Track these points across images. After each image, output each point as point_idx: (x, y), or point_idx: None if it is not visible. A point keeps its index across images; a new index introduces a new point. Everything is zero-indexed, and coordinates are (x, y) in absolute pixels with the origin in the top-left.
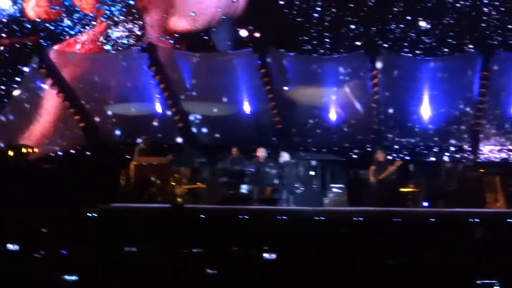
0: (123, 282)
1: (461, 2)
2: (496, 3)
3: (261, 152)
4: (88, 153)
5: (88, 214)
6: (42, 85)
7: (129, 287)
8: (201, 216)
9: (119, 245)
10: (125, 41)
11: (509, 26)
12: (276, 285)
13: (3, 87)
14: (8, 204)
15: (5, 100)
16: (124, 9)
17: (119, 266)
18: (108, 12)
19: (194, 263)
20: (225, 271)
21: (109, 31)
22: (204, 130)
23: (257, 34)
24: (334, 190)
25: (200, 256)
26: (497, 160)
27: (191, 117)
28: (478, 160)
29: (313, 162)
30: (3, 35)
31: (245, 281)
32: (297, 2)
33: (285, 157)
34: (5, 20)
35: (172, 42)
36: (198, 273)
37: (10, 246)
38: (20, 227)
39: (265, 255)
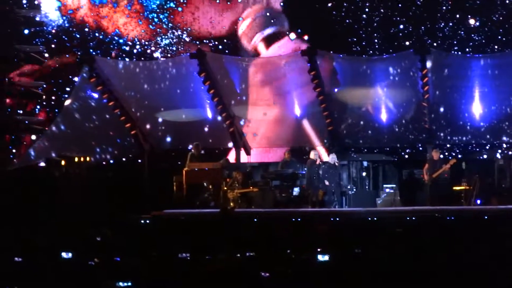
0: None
1: None
2: None
3: (313, 155)
4: (139, 160)
5: (141, 220)
6: (93, 95)
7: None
8: (254, 219)
9: (173, 251)
10: (174, 48)
11: None
12: (331, 287)
13: (54, 98)
14: (61, 213)
15: (57, 110)
16: (172, 16)
17: (173, 273)
18: (156, 20)
19: (248, 267)
20: (279, 274)
21: (158, 38)
22: (256, 133)
23: (305, 37)
24: (387, 190)
25: (254, 260)
26: None
27: (242, 122)
28: None
29: (365, 163)
30: (53, 46)
31: (299, 283)
32: (345, 4)
33: (336, 158)
34: (54, 31)
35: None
36: (252, 277)
37: (64, 254)
38: (74, 235)
39: (319, 257)
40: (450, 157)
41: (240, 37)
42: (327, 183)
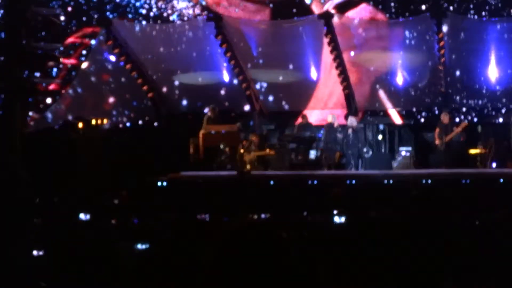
0: (195, 250)
1: None
2: None
3: (331, 118)
4: (156, 123)
5: (158, 183)
6: (109, 57)
7: (200, 254)
8: (270, 182)
9: (190, 212)
10: (190, 11)
11: None
12: (347, 249)
13: (71, 61)
14: (79, 175)
15: (73, 73)
16: None
17: (190, 234)
18: None
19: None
20: (295, 236)
21: (175, 1)
22: (271, 97)
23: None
24: (403, 153)
25: (270, 222)
26: None
27: (258, 85)
28: None
29: (381, 126)
30: (69, 8)
31: (316, 245)
32: None
33: (353, 121)
34: None
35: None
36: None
37: (82, 216)
38: (92, 197)
39: (335, 219)
40: (465, 120)
41: (311, 3)
42: (343, 146)
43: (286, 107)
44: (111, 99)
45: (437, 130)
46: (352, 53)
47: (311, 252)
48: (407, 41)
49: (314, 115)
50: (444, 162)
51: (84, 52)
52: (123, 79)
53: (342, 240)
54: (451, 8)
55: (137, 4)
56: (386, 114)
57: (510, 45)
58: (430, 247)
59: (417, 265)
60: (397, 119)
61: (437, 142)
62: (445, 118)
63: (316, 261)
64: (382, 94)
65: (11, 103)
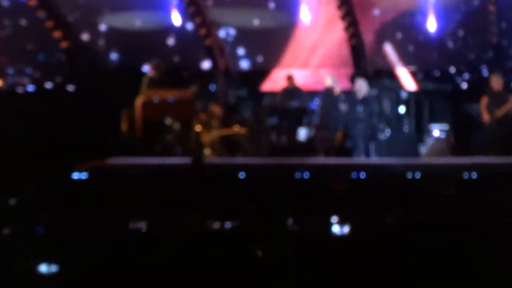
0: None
1: None
2: None
3: (329, 80)
4: (71, 87)
5: (75, 173)
6: None
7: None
8: (240, 174)
9: (120, 218)
10: None
11: None
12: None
13: None
14: None
15: None
16: None
17: (121, 245)
18: None
19: (228, 243)
20: (274, 253)
21: None
22: (242, 49)
23: None
24: (435, 134)
25: (237, 233)
26: None
27: (223, 32)
28: None
29: (403, 94)
30: None
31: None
32: None
33: (362, 86)
34: None
35: None
36: (234, 257)
37: None
38: None
39: (335, 229)
40: None
41: None
42: (348, 122)
43: (264, 64)
44: (7, 51)
45: (485, 100)
46: None
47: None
48: None
49: (305, 76)
50: (494, 147)
51: None
52: (24, 22)
53: (344, 259)
54: None
55: None
56: (411, 76)
57: None
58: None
59: None
60: (426, 84)
61: (485, 117)
62: (496, 82)
63: None
64: (404, 47)
65: None
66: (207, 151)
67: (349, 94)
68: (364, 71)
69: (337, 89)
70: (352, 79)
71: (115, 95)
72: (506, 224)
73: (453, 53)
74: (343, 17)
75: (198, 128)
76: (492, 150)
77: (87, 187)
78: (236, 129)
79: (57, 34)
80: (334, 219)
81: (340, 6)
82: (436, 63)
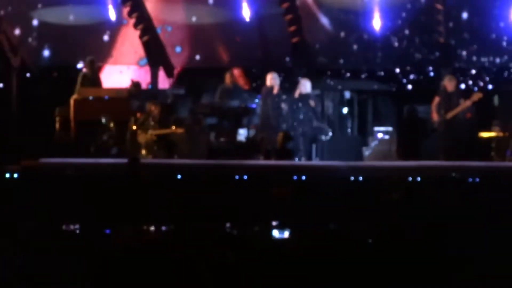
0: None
1: None
2: None
3: (271, 79)
4: (1, 84)
5: (5, 174)
6: None
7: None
8: (177, 176)
9: (53, 220)
10: None
11: None
12: (291, 277)
13: None
14: None
15: None
16: None
17: (53, 254)
18: None
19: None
20: (211, 259)
21: None
22: (180, 45)
23: None
24: (379, 136)
25: (172, 236)
26: None
27: (160, 26)
28: None
29: (347, 94)
30: None
31: (243, 271)
32: None
33: (305, 86)
34: None
35: None
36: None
37: None
38: None
39: (274, 233)
40: (474, 89)
41: None
42: (290, 122)
43: (203, 61)
44: None
45: (436, 100)
46: None
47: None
48: None
49: (245, 74)
50: (442, 151)
51: None
52: None
53: (284, 264)
54: None
55: None
56: (354, 76)
57: None
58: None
59: None
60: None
61: (434, 118)
62: (450, 83)
63: None
64: (349, 45)
65: None
66: (143, 152)
67: (290, 94)
68: (306, 70)
69: (277, 88)
70: (294, 78)
71: (48, 93)
72: (453, 229)
73: (398, 53)
74: (286, 14)
75: (134, 127)
76: (440, 153)
77: (18, 188)
78: (173, 129)
79: None
80: (274, 223)
81: (282, 2)
82: (381, 63)
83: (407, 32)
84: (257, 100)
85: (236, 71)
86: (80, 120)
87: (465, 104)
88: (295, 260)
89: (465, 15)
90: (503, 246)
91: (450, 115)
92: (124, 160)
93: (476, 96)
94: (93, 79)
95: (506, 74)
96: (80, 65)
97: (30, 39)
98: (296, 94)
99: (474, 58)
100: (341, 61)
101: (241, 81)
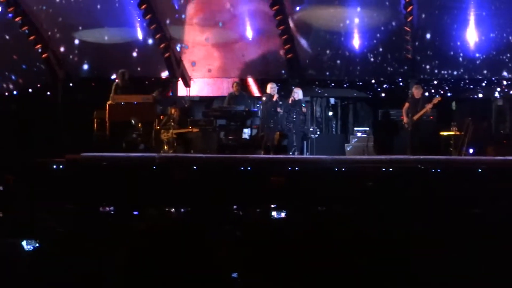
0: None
1: None
2: None
3: (271, 88)
4: (50, 92)
5: (52, 165)
6: None
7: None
8: (193, 167)
9: (92, 203)
10: None
11: None
12: (285, 249)
13: None
14: None
15: None
16: None
17: (92, 231)
18: None
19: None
20: (222, 234)
21: None
22: (195, 60)
23: None
24: (358, 134)
25: (191, 217)
26: None
27: (179, 45)
28: None
29: (332, 100)
30: None
31: (248, 243)
32: None
33: (298, 94)
34: None
35: None
36: (189, 238)
37: None
38: None
39: (273, 214)
40: (436, 95)
41: None
42: (285, 123)
43: (215, 73)
44: None
45: (406, 105)
46: (297, 8)
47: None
48: None
49: (250, 84)
50: (410, 147)
51: None
52: (9, 36)
53: (281, 239)
54: None
55: None
56: (338, 86)
57: (493, 3)
58: (386, 250)
59: (369, 270)
60: (351, 92)
61: (404, 120)
62: (416, 91)
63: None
64: (333, 60)
65: None
66: (165, 147)
67: (285, 100)
68: (298, 81)
69: (275, 96)
70: (288, 87)
71: (87, 99)
72: (418, 212)
73: (374, 66)
74: (281, 34)
75: (157, 127)
76: (409, 149)
77: (64, 177)
78: (190, 128)
79: (38, 46)
80: (273, 205)
81: (279, 25)
82: (359, 75)
83: (381, 49)
84: (258, 105)
85: (242, 81)
86: (114, 121)
87: (428, 106)
88: (291, 235)
89: (428, 35)
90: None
91: (416, 116)
92: (151, 154)
93: (436, 100)
94: (124, 88)
95: (462, 84)
96: (113, 77)
97: (72, 55)
98: (290, 100)
99: (436, 71)
100: (327, 73)
101: (246, 89)
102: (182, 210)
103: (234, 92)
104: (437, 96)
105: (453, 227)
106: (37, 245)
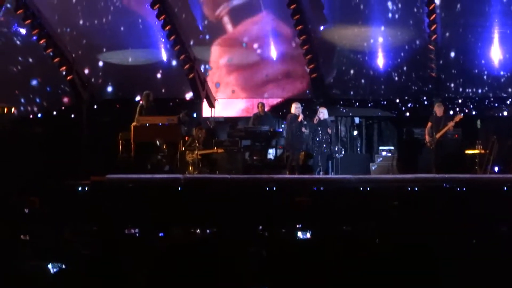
0: (123, 273)
1: None
2: None
3: (295, 108)
4: (75, 114)
5: (78, 187)
6: (19, 30)
7: (129, 278)
8: (218, 188)
9: (117, 226)
10: None
11: None
12: (312, 270)
13: None
14: None
15: None
16: None
17: (117, 252)
18: None
19: (209, 247)
20: (247, 255)
21: None
22: (219, 82)
23: None
24: (383, 153)
25: (216, 238)
26: None
27: (203, 66)
28: None
29: (357, 120)
30: None
31: (275, 264)
32: None
33: (323, 113)
34: None
35: None
36: (214, 259)
37: None
38: None
39: (298, 234)
40: (460, 113)
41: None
42: (310, 143)
43: (239, 94)
44: (20, 83)
45: (429, 124)
46: (321, 28)
47: (266, 275)
48: (390, 14)
49: (274, 104)
50: (434, 165)
51: None
52: (34, 58)
53: (307, 260)
54: None
55: None
56: (362, 105)
57: None
58: (414, 269)
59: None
60: (376, 111)
61: (427, 139)
62: (439, 109)
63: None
64: (357, 79)
65: None
66: (190, 168)
67: (310, 120)
68: (322, 101)
69: (300, 116)
70: (313, 107)
71: (112, 121)
72: (445, 231)
73: (398, 85)
74: (305, 54)
75: (182, 148)
76: (433, 167)
77: (89, 199)
78: (215, 149)
79: (62, 68)
80: (298, 226)
81: (303, 44)
82: (384, 94)
83: (405, 68)
84: (283, 125)
85: (266, 101)
86: (139, 143)
87: (450, 124)
88: (316, 256)
89: (453, 54)
90: (486, 246)
91: (439, 134)
92: (176, 176)
93: (458, 117)
94: (149, 109)
95: (486, 102)
96: (137, 98)
97: (96, 77)
98: (315, 120)
99: (461, 89)
100: (351, 92)
101: (270, 110)
102: (208, 231)
103: (259, 112)
104: (460, 113)
105: (479, 246)
106: (63, 267)
